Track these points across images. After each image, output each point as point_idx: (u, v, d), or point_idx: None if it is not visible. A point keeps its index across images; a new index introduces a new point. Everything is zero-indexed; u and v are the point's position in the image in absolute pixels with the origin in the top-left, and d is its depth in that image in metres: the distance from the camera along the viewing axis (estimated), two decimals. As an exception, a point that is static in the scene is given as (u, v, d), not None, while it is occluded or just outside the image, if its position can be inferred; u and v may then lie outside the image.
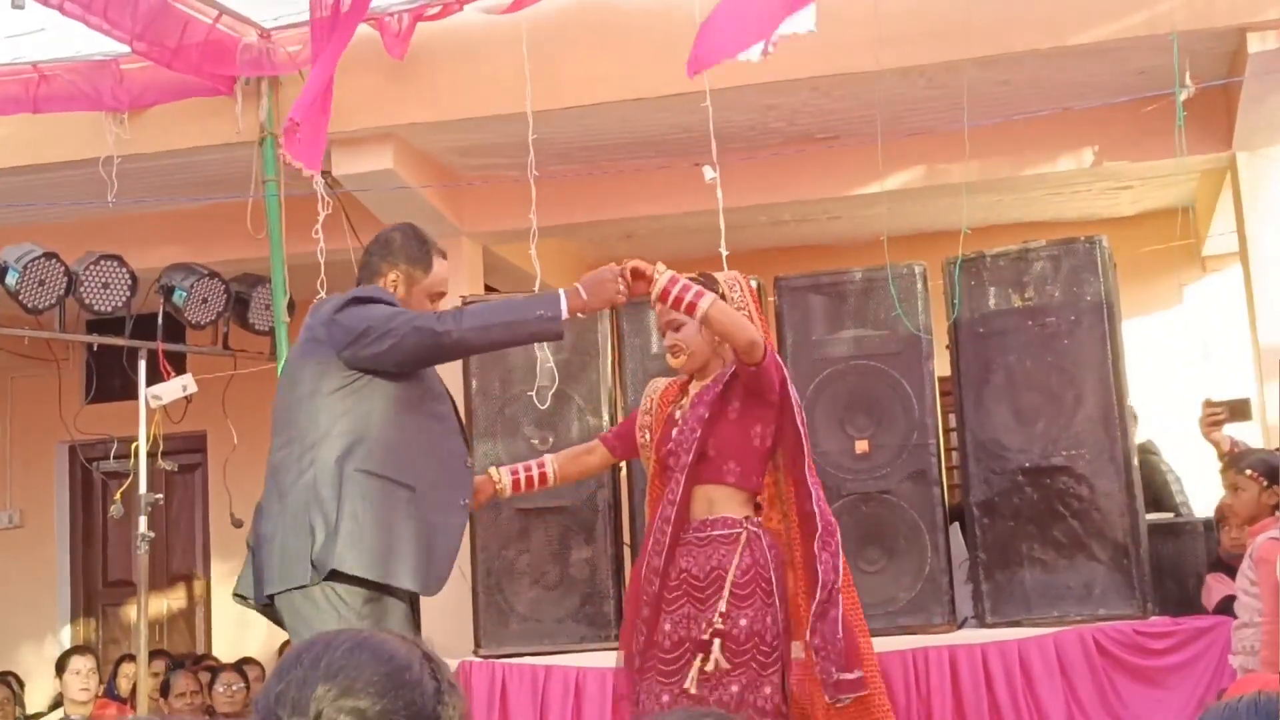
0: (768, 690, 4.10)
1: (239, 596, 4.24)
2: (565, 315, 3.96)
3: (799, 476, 4.30)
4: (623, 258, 4.09)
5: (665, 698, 4.14)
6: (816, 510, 4.21)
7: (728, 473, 4.23)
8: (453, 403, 4.33)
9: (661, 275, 4.07)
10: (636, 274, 4.04)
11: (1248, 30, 6.01)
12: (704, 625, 4.10)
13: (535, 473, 4.61)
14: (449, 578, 4.17)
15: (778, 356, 4.29)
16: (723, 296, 4.25)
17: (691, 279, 4.25)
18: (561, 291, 3.99)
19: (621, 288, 4.03)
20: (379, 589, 3.99)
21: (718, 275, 4.39)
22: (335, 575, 3.93)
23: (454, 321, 3.95)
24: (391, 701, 1.67)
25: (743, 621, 4.08)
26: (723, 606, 4.08)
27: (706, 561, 4.16)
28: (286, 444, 4.10)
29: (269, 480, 4.15)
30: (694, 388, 4.39)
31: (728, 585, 4.10)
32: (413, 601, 4.24)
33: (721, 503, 4.23)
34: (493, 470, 4.60)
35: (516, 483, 4.57)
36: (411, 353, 3.97)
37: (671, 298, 4.07)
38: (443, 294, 4.32)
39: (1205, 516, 6.23)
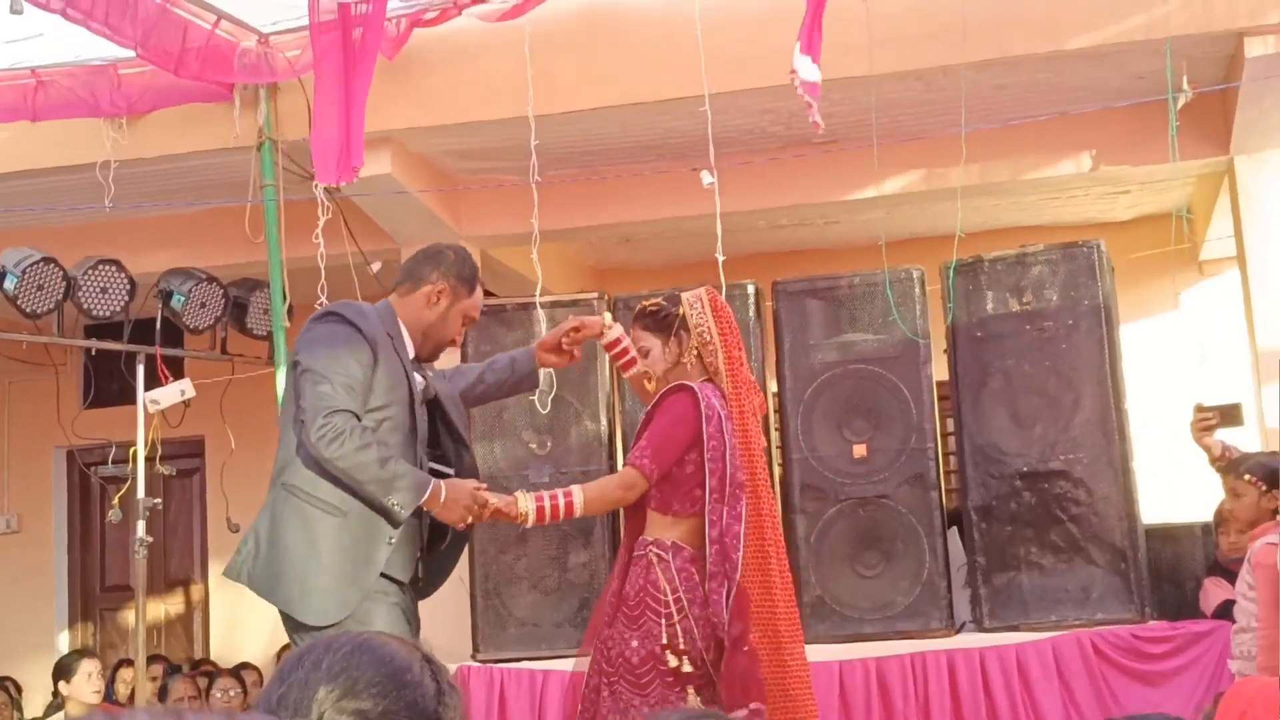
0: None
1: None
2: (407, 512, 4.04)
3: (701, 508, 4.28)
4: (480, 499, 4.15)
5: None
6: (710, 548, 4.19)
7: (651, 497, 4.30)
8: (440, 417, 4.36)
9: (529, 514, 4.22)
10: (495, 514, 4.20)
11: (1245, 35, 6.02)
12: (634, 644, 4.18)
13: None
14: (353, 604, 4.09)
15: (692, 399, 4.25)
16: (683, 316, 4.34)
17: (653, 304, 4.40)
18: (428, 488, 4.04)
19: (470, 519, 4.14)
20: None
21: (684, 294, 4.42)
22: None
23: (326, 446, 3.96)
24: (393, 702, 1.67)
25: (634, 643, 4.13)
26: (610, 627, 4.23)
27: (634, 582, 4.25)
28: (278, 450, 4.24)
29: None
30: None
31: (620, 607, 4.24)
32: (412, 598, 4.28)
33: (650, 525, 4.30)
34: (614, 324, 4.54)
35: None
36: (305, 439, 4.03)
37: (549, 522, 4.32)
38: (473, 320, 4.39)
39: (1203, 520, 6.23)
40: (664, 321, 4.32)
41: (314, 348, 4.09)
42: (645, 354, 4.37)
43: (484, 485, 4.21)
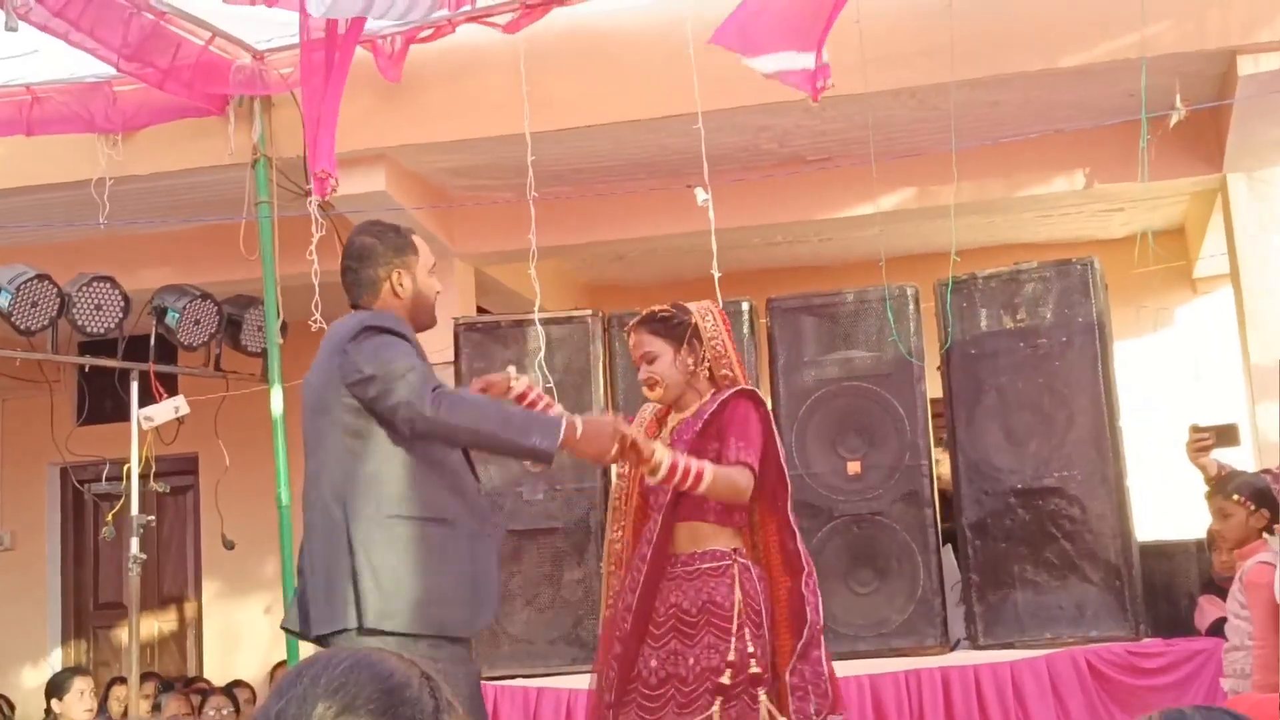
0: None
1: (287, 630, 4.16)
2: (556, 448, 3.85)
3: (782, 516, 4.28)
4: (622, 430, 3.93)
5: None
6: (801, 550, 4.20)
7: (708, 510, 4.20)
8: None
9: (662, 462, 3.98)
10: (634, 449, 3.94)
11: (1238, 53, 6.04)
12: (693, 662, 4.10)
13: (540, 406, 4.43)
14: (497, 606, 4.09)
15: (757, 400, 4.25)
16: (695, 325, 4.29)
17: (663, 310, 4.31)
18: (562, 424, 3.86)
19: (614, 449, 3.92)
20: (454, 641, 3.95)
21: (691, 305, 4.38)
22: (384, 631, 3.83)
23: (449, 412, 3.82)
24: (391, 719, 1.67)
25: (731, 655, 4.08)
26: (731, 654, 4.07)
27: (697, 596, 4.14)
28: (315, 475, 4.00)
29: (305, 510, 4.06)
30: (672, 420, 4.37)
31: (734, 621, 4.10)
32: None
33: (706, 537, 4.21)
34: (518, 377, 4.48)
35: (522, 398, 4.39)
36: (401, 423, 3.86)
37: (674, 481, 4.03)
38: (435, 263, 4.26)
39: (1197, 538, 6.23)
40: (676, 329, 4.28)
41: (380, 353, 3.91)
42: (651, 359, 4.30)
43: (621, 415, 4.10)
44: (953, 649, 6.10)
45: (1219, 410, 6.22)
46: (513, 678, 6.23)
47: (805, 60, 5.20)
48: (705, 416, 4.23)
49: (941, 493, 6.30)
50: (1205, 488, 5.41)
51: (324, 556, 3.92)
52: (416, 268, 4.15)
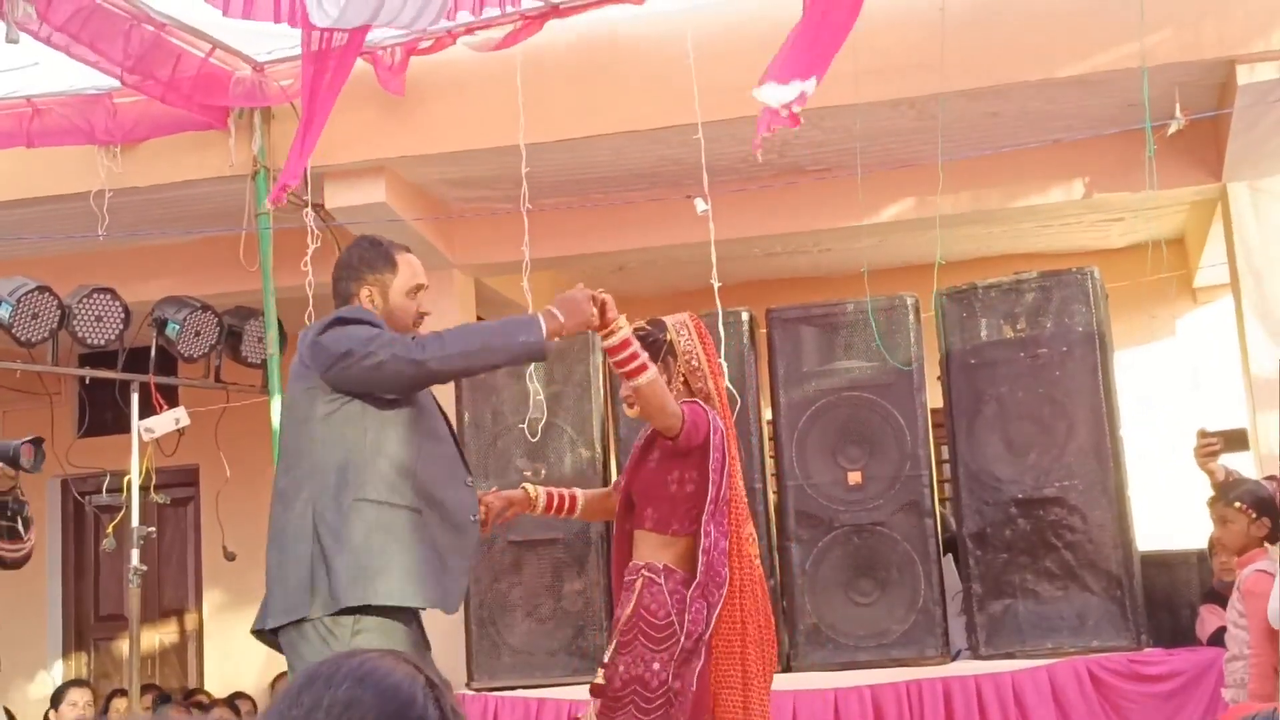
0: None
1: (255, 632, 4.18)
2: (544, 338, 3.95)
3: (708, 525, 4.29)
4: (591, 292, 4.10)
5: None
6: (701, 559, 4.20)
7: (646, 518, 4.29)
8: (447, 420, 4.28)
9: (620, 330, 4.12)
10: (603, 309, 4.09)
11: (1237, 62, 6.04)
12: (623, 669, 4.14)
13: (566, 498, 4.64)
14: (463, 596, 4.14)
15: (704, 411, 4.28)
16: (670, 342, 4.34)
17: (640, 327, 4.35)
18: (539, 315, 3.98)
19: (594, 310, 4.05)
20: (382, 613, 3.94)
21: (667, 319, 4.43)
22: (344, 609, 3.86)
23: (436, 348, 3.89)
24: None
25: (620, 668, 4.11)
26: (606, 656, 4.19)
27: (625, 607, 4.22)
28: (286, 471, 4.06)
29: (272, 509, 4.10)
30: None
31: (615, 634, 4.21)
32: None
33: (642, 547, 4.28)
34: (528, 485, 4.62)
35: (550, 502, 4.59)
36: (391, 379, 3.92)
37: (618, 357, 4.14)
38: (421, 286, 4.19)
39: (1198, 548, 6.22)
40: (652, 347, 4.32)
41: (351, 333, 3.94)
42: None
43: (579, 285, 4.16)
44: (954, 659, 6.09)
45: (1219, 420, 6.20)
46: (513, 689, 6.22)
47: (794, 90, 5.19)
48: (649, 431, 4.34)
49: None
50: (1210, 494, 5.40)
51: (282, 553, 3.97)
52: (392, 286, 4.12)
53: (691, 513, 4.24)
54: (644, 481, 4.34)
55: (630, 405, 4.32)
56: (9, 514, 4.95)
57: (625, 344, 4.11)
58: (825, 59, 5.18)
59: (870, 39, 5.93)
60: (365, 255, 4.16)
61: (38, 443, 4.83)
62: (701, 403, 4.31)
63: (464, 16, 5.87)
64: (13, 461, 4.79)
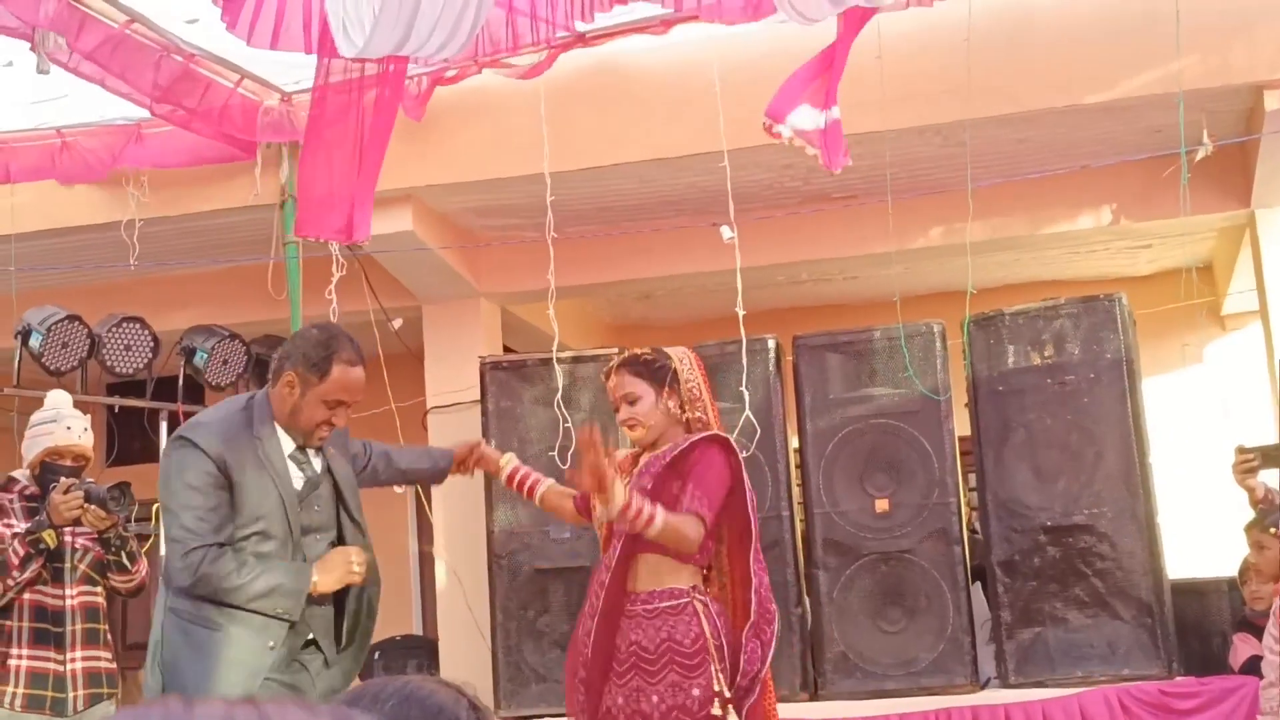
0: None
1: None
2: (298, 613, 3.99)
3: (744, 562, 4.27)
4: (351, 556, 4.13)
5: None
6: (754, 598, 4.19)
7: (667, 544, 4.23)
8: (288, 520, 4.11)
9: (617, 501, 4.00)
10: (603, 482, 4.03)
11: (1264, 88, 6.02)
12: (658, 700, 4.08)
13: (530, 480, 4.68)
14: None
15: (728, 448, 4.24)
16: (675, 374, 4.31)
17: (645, 353, 4.35)
18: (310, 579, 4.00)
19: (355, 572, 4.09)
20: None
21: (671, 351, 4.41)
22: None
23: (209, 588, 3.92)
24: None
25: (695, 691, 4.08)
26: (699, 680, 4.10)
27: (657, 634, 4.14)
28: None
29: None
30: (645, 459, 4.38)
31: (702, 657, 4.12)
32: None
33: (667, 574, 4.20)
34: (509, 456, 4.72)
35: (513, 476, 4.68)
36: (180, 584, 3.99)
37: (628, 520, 4.06)
38: (341, 403, 4.05)
39: (1229, 575, 6.18)
40: (659, 372, 4.31)
41: (168, 483, 3.99)
42: (633, 400, 4.31)
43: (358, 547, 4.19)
44: (983, 688, 6.06)
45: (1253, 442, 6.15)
46: (540, 717, 6.20)
47: (818, 119, 5.21)
48: (673, 455, 4.25)
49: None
50: (1247, 514, 5.35)
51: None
52: (313, 389, 4.02)
53: (707, 543, 4.21)
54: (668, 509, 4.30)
55: (633, 429, 4.32)
56: (114, 549, 5.19)
57: (625, 508, 4.01)
58: (832, 87, 5.21)
59: (897, 66, 5.94)
60: (307, 351, 4.06)
61: (124, 487, 5.08)
62: (721, 433, 4.30)
63: (490, 45, 5.89)
64: (103, 504, 5.01)
